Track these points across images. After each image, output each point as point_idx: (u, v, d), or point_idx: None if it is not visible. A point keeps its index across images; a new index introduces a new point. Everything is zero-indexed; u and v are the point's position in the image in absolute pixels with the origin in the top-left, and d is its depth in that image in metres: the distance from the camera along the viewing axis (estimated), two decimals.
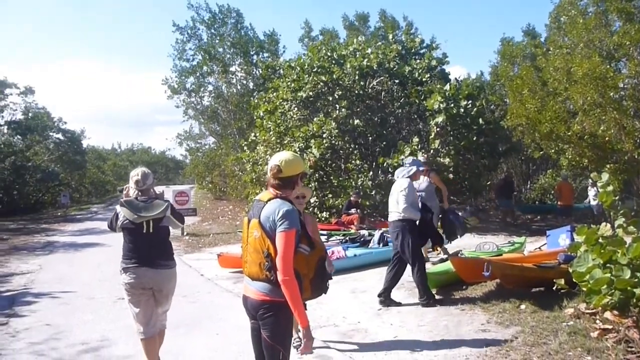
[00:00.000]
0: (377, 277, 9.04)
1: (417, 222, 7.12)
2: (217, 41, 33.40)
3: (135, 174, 4.81)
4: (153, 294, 4.75)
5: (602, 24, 13.45)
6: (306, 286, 3.08)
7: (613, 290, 5.17)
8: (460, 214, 9.58)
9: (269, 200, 3.16)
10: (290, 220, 3.01)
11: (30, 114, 36.08)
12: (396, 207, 7.09)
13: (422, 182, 9.19)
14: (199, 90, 35.15)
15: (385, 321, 6.43)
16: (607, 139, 13.30)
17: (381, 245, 10.72)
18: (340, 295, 7.74)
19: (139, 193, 4.77)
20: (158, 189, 5.12)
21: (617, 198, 6.11)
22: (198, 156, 39.04)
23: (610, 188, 5.85)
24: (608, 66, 12.67)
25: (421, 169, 7.57)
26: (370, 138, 16.51)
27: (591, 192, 16.53)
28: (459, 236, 9.17)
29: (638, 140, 13.88)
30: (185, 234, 16.44)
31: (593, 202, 16.13)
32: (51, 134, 39.35)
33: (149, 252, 4.69)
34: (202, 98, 35.87)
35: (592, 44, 12.99)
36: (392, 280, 7.20)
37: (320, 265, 3.17)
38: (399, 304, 7.08)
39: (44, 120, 37.42)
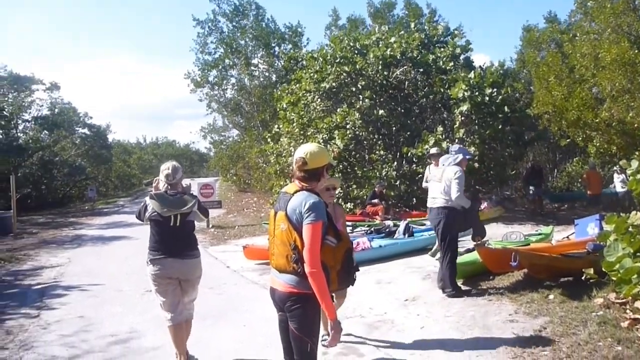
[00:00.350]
0: (402, 267, 9.04)
1: (463, 211, 7.04)
2: (238, 34, 33.47)
3: (166, 167, 4.90)
4: (179, 284, 4.88)
5: (630, 9, 13.15)
6: (333, 278, 3.09)
7: None
8: (485, 203, 9.51)
9: (295, 192, 3.16)
10: (317, 213, 3.01)
11: (56, 110, 36.71)
12: (442, 194, 6.98)
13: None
14: (221, 83, 35.26)
15: (412, 312, 6.42)
16: (636, 125, 13.03)
17: (406, 235, 10.68)
18: (366, 286, 7.73)
19: (169, 187, 4.87)
20: (185, 181, 5.21)
21: None
22: (222, 149, 39.25)
23: None
24: (637, 51, 12.40)
25: (468, 157, 7.39)
26: (394, 128, 16.42)
27: (617, 178, 16.28)
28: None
29: None
30: (210, 226, 16.59)
31: (620, 189, 15.90)
32: (77, 128, 40.15)
33: (175, 244, 4.80)
34: (225, 91, 36.00)
35: (620, 29, 12.72)
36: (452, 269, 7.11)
37: (347, 257, 3.18)
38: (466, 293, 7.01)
39: (70, 116, 38.10)
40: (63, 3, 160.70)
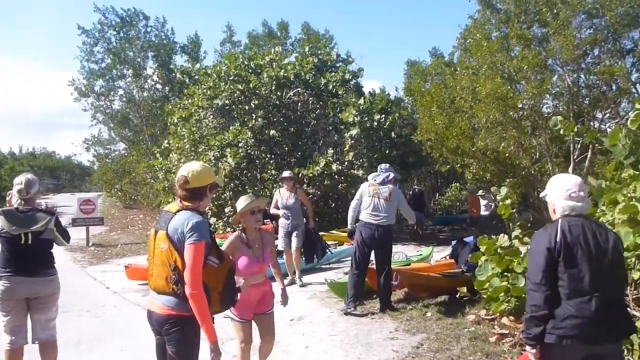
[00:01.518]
0: (289, 287, 9.15)
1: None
2: (127, 44, 32.51)
3: (19, 181, 4.56)
4: (28, 304, 4.54)
5: (503, 48, 14.36)
6: (215, 299, 3.07)
7: (510, 298, 5.58)
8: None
9: (178, 211, 3.13)
10: (200, 232, 2.99)
11: None
12: (391, 212, 7.18)
13: (289, 198, 9.07)
14: (108, 93, 33.98)
15: (297, 331, 6.54)
16: (507, 155, 14.23)
17: (301, 251, 10.80)
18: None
19: (22, 202, 4.53)
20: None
21: (514, 210, 6.60)
22: (107, 162, 37.54)
23: (508, 201, 6.31)
24: (509, 87, 13.54)
25: (391, 176, 7.45)
26: (286, 148, 16.67)
27: (482, 202, 17.57)
28: (316, 259, 9.44)
29: (534, 157, 14.95)
30: (90, 244, 15.77)
31: (483, 212, 17.25)
32: None
33: (25, 263, 4.48)
34: (112, 102, 34.70)
35: (495, 66, 13.83)
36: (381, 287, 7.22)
37: (229, 277, 3.19)
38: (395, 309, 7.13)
39: None
40: None
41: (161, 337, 3.15)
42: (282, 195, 9.17)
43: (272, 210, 9.31)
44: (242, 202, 4.30)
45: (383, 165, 7.61)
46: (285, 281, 8.36)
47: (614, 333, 2.99)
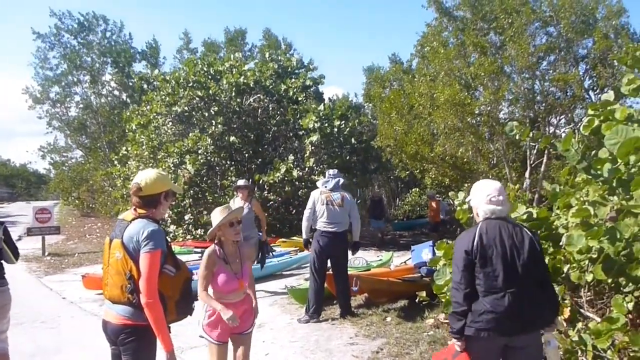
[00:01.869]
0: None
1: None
2: (84, 50, 31.82)
3: None
4: None
5: (461, 55, 14.59)
6: (171, 308, 3.03)
7: None
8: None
9: (133, 219, 3.07)
10: (156, 241, 2.94)
11: None
12: (346, 218, 7.15)
13: (244, 207, 8.32)
14: (64, 100, 33.16)
15: (258, 339, 6.44)
16: (465, 160, 14.45)
17: (256, 262, 10.71)
18: None
19: None
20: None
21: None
22: (64, 170, 36.61)
23: (466, 206, 6.35)
24: (466, 94, 13.76)
25: (341, 182, 7.41)
26: (246, 155, 16.54)
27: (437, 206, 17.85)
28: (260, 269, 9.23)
29: (492, 162, 15.21)
30: (46, 254, 15.33)
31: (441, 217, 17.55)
32: None
33: None
34: (68, 109, 33.86)
35: (453, 73, 14.04)
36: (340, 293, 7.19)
37: (186, 286, 3.14)
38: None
39: None
40: None
41: (117, 347, 3.10)
42: (236, 205, 8.49)
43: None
44: (219, 214, 3.94)
45: (331, 171, 7.54)
46: None
47: (528, 326, 3.26)
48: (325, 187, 7.26)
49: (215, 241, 4.00)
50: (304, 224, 7.30)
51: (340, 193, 7.22)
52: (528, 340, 3.28)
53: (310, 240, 7.30)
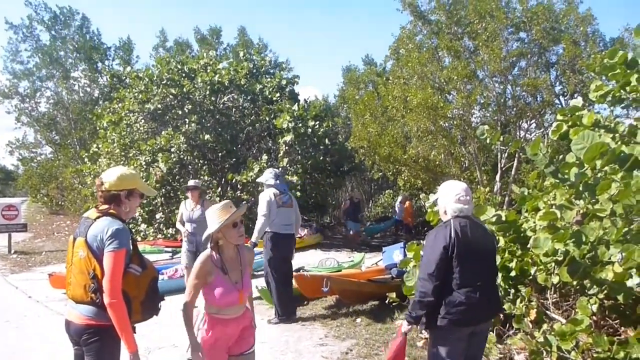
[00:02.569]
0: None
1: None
2: (58, 44, 31.26)
3: None
4: None
5: (434, 59, 14.74)
6: (136, 308, 2.99)
7: None
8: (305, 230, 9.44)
9: (97, 218, 3.03)
10: (120, 240, 2.90)
11: None
12: (294, 219, 7.14)
13: (195, 210, 7.93)
14: (34, 95, 32.52)
15: None
16: (437, 162, 14.60)
17: None
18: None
19: None
20: None
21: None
22: (32, 167, 35.87)
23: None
24: (439, 97, 13.90)
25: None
26: (219, 154, 16.44)
27: (399, 208, 18.06)
28: None
29: (464, 165, 15.40)
30: (13, 252, 15.01)
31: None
32: None
33: None
34: (38, 104, 33.20)
35: (426, 77, 14.18)
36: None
37: (152, 286, 3.11)
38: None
39: None
40: None
41: (80, 347, 3.05)
42: (187, 207, 8.03)
43: (178, 225, 8.33)
44: (219, 213, 3.32)
45: (275, 171, 7.36)
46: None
47: (491, 313, 3.74)
48: (278, 189, 7.08)
49: (211, 245, 3.38)
50: (264, 227, 6.96)
51: (288, 194, 7.19)
52: (486, 326, 3.75)
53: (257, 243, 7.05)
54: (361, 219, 18.64)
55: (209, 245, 3.39)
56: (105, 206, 3.09)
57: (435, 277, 3.37)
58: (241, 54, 19.19)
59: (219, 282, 3.28)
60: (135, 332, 2.98)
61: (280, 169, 15.04)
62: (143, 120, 17.16)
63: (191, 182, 8.26)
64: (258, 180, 8.30)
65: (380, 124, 15.21)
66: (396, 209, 18.21)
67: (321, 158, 16.02)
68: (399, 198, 18.37)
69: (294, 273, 7.49)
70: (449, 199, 3.61)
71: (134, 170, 3.47)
